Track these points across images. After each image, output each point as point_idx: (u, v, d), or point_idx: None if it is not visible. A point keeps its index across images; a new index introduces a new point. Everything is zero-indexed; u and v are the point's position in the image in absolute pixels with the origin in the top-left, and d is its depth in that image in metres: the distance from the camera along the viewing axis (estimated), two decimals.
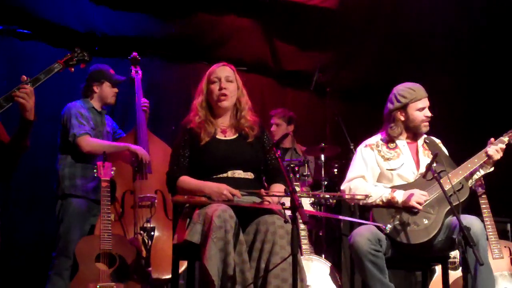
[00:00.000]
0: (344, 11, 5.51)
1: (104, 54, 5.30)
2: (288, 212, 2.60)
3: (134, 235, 4.04)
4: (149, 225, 3.77)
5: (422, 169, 3.46)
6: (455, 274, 4.15)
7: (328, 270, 4.17)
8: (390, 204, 3.38)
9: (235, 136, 3.24)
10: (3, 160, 2.83)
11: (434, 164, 3.28)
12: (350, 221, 4.71)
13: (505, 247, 4.29)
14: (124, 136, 4.52)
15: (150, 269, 3.77)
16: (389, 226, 3.30)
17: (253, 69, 6.19)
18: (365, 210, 3.56)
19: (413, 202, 3.30)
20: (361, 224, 3.39)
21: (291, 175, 4.72)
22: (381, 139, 3.64)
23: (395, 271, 4.47)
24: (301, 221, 2.84)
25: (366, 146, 3.63)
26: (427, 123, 3.57)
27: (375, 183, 3.54)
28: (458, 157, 3.57)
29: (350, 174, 3.59)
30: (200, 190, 3.03)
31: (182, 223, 3.06)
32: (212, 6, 5.47)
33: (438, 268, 4.18)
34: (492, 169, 3.55)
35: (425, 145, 3.61)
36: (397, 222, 3.31)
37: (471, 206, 3.79)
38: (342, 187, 3.59)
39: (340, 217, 4.70)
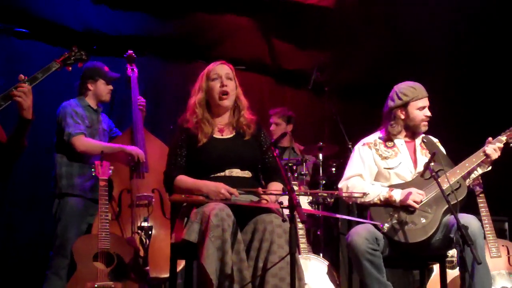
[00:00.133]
0: (341, 10, 5.51)
1: (102, 53, 5.29)
2: (286, 211, 2.60)
3: (131, 234, 4.02)
4: (146, 224, 3.76)
5: (420, 168, 3.45)
6: (452, 273, 4.16)
7: (326, 269, 4.18)
8: (387, 203, 3.38)
9: (232, 135, 3.24)
10: (1, 159, 2.82)
11: (432, 163, 3.29)
12: (348, 220, 4.71)
13: (502, 246, 4.30)
14: (120, 135, 4.49)
15: (148, 268, 3.77)
16: (386, 225, 3.30)
17: (251, 68, 6.19)
18: (363, 209, 3.55)
19: (410, 201, 3.30)
20: (359, 223, 3.39)
21: (289, 174, 4.72)
22: (379, 138, 3.64)
23: (392, 270, 4.46)
24: (299, 220, 2.84)
25: (364, 144, 3.63)
26: (426, 123, 3.57)
27: (372, 181, 3.54)
28: (456, 156, 3.57)
29: (347, 172, 3.59)
30: (197, 189, 3.02)
31: (180, 222, 3.05)
32: (210, 5, 5.47)
33: (436, 267, 4.18)
34: (490, 168, 3.55)
35: (423, 144, 3.60)
36: (395, 221, 3.32)
37: (469, 205, 3.80)
38: (339, 185, 3.59)
39: (338, 215, 4.70)
